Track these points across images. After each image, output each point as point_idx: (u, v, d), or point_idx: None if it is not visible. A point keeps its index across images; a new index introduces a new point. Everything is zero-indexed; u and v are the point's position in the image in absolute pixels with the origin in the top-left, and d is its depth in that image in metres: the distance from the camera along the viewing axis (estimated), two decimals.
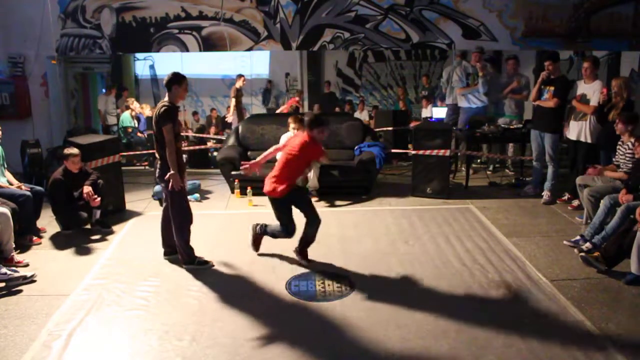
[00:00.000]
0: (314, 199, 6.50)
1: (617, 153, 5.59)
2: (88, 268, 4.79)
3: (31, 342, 3.56)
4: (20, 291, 4.32)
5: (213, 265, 4.82)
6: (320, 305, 4.09)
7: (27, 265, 4.80)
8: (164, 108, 4.46)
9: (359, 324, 3.80)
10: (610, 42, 8.61)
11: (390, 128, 9.43)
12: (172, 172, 4.47)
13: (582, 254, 4.69)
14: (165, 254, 4.98)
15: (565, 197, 6.58)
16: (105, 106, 10.83)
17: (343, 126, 7.81)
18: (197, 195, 6.95)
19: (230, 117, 10.21)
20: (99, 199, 5.59)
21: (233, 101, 9.92)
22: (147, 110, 10.47)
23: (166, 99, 4.56)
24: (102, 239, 5.56)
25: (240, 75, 10.10)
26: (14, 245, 4.87)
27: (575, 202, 6.30)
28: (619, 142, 5.57)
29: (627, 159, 5.39)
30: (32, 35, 8.18)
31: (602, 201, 5.08)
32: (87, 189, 5.54)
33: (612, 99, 6.02)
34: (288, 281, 4.47)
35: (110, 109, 10.82)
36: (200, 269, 4.74)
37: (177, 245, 4.78)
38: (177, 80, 4.51)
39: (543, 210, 6.39)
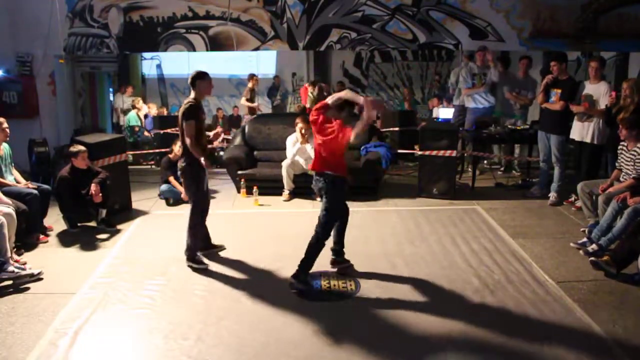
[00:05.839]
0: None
1: (619, 158, 5.35)
2: (94, 266, 4.81)
3: (38, 340, 3.58)
4: (27, 289, 4.35)
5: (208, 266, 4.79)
6: (326, 305, 4.10)
7: (24, 263, 4.71)
8: (187, 105, 4.59)
9: (364, 324, 3.80)
10: (618, 42, 8.56)
11: (396, 128, 9.41)
12: (200, 158, 4.64)
13: (592, 258, 4.65)
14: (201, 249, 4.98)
15: (572, 199, 6.53)
16: (122, 104, 10.90)
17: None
18: None
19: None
20: (100, 194, 5.60)
21: (243, 99, 10.02)
22: (153, 110, 10.51)
23: (192, 95, 4.69)
24: (109, 238, 5.58)
25: (252, 76, 10.19)
26: (13, 246, 4.83)
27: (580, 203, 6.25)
28: (621, 147, 5.32)
29: (638, 165, 5.06)
30: (40, 34, 8.21)
31: (610, 203, 5.03)
32: (95, 187, 5.55)
33: (621, 101, 5.89)
34: None
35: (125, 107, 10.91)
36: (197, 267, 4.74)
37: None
38: (199, 75, 4.67)
39: (549, 212, 6.36)
